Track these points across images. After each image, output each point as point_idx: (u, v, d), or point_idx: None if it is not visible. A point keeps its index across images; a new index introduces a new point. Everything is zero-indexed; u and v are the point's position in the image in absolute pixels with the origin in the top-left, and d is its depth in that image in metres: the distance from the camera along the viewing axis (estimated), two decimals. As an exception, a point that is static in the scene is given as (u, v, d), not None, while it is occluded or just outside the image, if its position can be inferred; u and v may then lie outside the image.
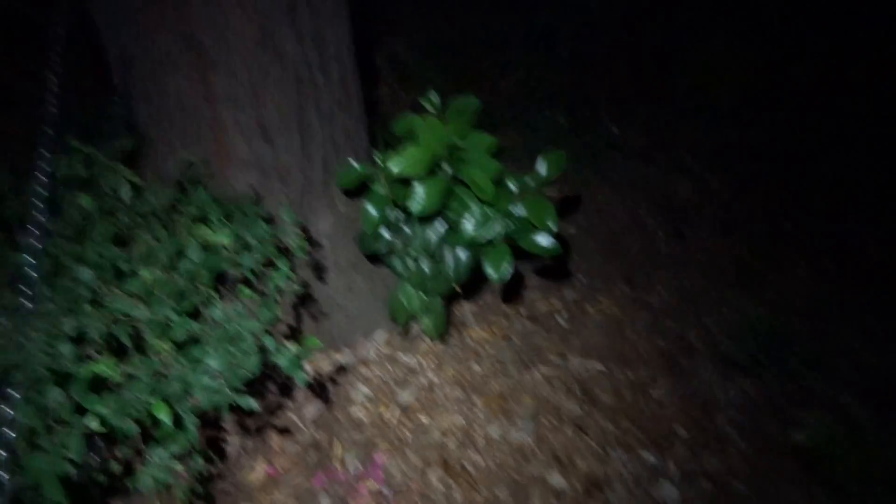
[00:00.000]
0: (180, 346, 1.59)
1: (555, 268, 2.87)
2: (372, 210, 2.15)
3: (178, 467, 1.50)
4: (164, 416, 1.46)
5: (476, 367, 2.47)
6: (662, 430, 2.35)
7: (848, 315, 2.79)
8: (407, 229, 2.21)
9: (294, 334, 2.35)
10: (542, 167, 2.02)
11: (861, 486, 1.96)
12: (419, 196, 1.91)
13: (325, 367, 2.55)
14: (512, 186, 2.05)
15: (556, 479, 2.14)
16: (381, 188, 2.16)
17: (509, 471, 2.15)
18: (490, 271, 2.00)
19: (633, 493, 2.16)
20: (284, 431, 2.33)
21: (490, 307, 2.69)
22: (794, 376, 2.44)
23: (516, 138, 3.42)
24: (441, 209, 1.98)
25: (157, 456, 1.48)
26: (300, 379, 1.66)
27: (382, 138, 2.29)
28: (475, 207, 2.00)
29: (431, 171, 1.96)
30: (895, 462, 2.01)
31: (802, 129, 3.71)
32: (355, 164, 2.19)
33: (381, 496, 2.14)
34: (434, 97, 2.15)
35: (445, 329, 2.46)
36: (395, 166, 1.93)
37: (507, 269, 1.98)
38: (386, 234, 2.22)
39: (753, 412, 2.39)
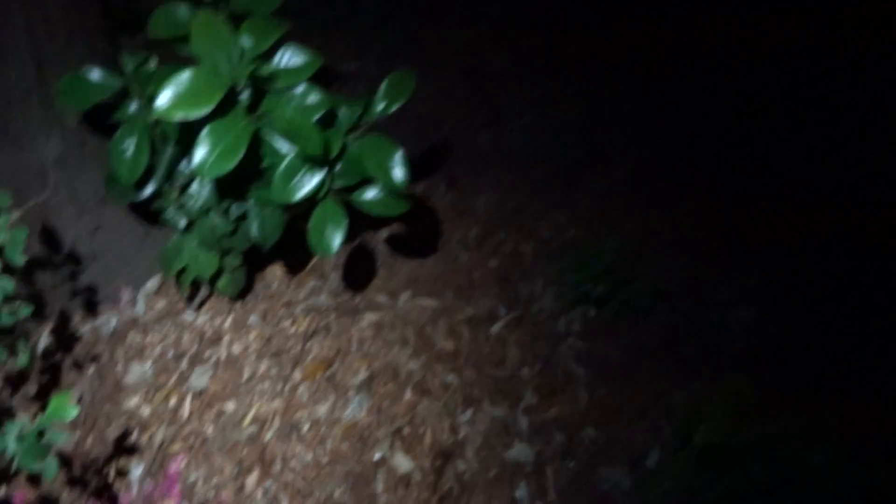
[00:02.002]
0: None
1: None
2: (127, 148, 1.46)
3: None
4: None
5: (289, 326, 1.98)
6: (507, 376, 2.09)
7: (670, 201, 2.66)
8: (185, 169, 1.56)
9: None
10: (383, 96, 1.46)
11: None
12: (204, 153, 1.27)
13: (79, 335, 1.91)
14: (343, 119, 1.47)
15: (401, 461, 1.81)
16: (139, 115, 1.46)
17: (345, 461, 1.77)
18: (313, 241, 1.47)
19: (485, 461, 1.91)
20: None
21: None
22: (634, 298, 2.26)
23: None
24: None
25: None
26: (48, 473, 1.07)
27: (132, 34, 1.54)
28: (287, 155, 1.41)
29: (221, 106, 1.30)
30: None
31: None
32: (91, 75, 1.44)
33: (183, 516, 1.66)
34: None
35: (245, 285, 1.90)
36: (163, 103, 1.25)
37: (334, 238, 1.46)
38: (153, 180, 1.55)
39: (598, 343, 2.21)
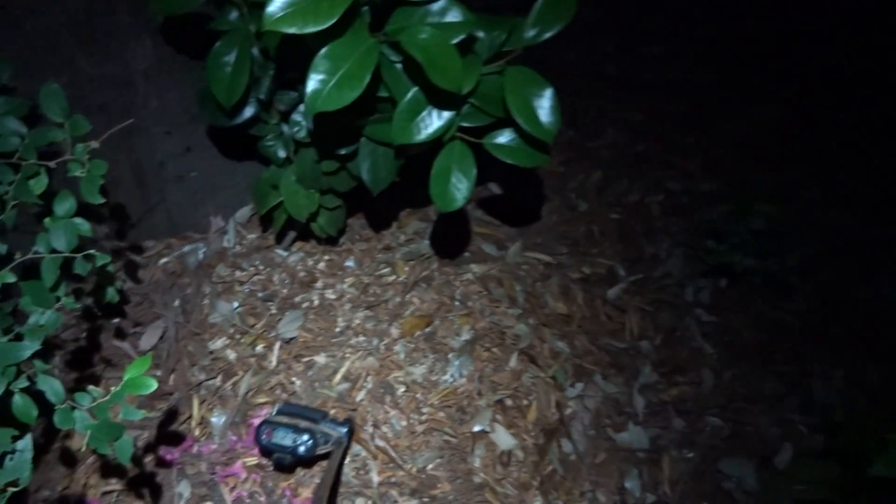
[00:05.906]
0: None
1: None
2: (226, 63, 1.23)
3: None
4: None
5: (387, 274, 1.77)
6: (624, 348, 1.85)
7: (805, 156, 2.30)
8: (291, 93, 1.33)
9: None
10: (536, 18, 1.17)
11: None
12: (320, 80, 1.03)
13: (161, 262, 1.76)
14: (482, 45, 1.20)
15: (502, 436, 1.61)
16: (240, 25, 1.22)
17: (441, 431, 1.59)
18: (435, 191, 1.23)
19: (594, 442, 1.70)
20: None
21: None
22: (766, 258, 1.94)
23: None
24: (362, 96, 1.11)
25: None
26: (122, 455, 0.91)
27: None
28: (412, 88, 1.15)
29: (342, 20, 1.05)
30: None
31: None
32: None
33: (263, 473, 1.53)
34: None
35: (344, 225, 1.69)
36: (274, 10, 1.01)
37: (461, 189, 1.22)
38: (251, 102, 1.33)
39: (729, 317, 1.93)
